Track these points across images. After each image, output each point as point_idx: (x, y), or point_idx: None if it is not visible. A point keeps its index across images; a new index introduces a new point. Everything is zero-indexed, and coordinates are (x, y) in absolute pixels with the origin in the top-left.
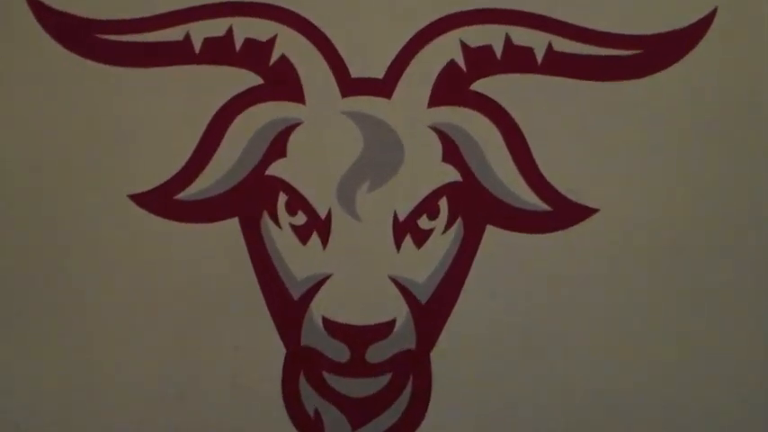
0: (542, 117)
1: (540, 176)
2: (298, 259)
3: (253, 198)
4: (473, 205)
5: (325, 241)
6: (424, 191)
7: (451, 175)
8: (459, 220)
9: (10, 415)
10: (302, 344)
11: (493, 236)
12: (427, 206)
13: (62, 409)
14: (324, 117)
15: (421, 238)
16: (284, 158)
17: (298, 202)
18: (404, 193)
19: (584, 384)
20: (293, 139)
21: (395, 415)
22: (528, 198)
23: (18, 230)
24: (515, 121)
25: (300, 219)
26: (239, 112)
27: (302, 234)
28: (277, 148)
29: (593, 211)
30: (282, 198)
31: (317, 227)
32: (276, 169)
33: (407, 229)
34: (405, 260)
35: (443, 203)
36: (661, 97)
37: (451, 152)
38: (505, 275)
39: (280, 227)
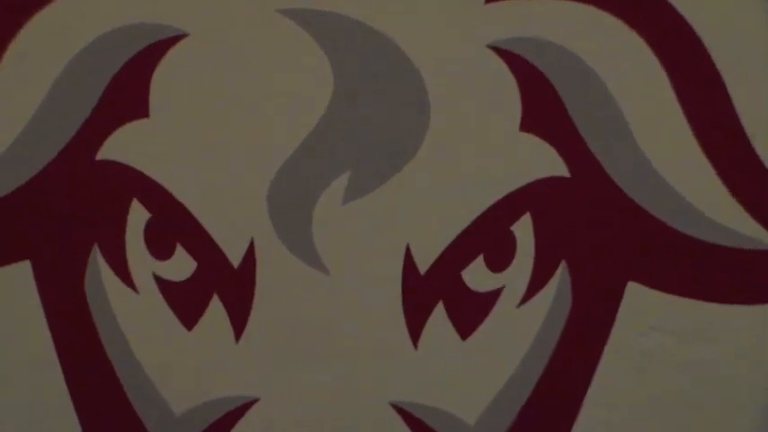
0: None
1: (759, 166)
2: (175, 365)
3: (67, 215)
4: (596, 235)
5: (240, 322)
6: (479, 201)
7: (544, 162)
8: (560, 270)
9: None
10: None
11: (643, 306)
12: (485, 237)
13: None
14: (238, 23)
15: (470, 313)
16: (144, 120)
17: (175, 224)
18: (430, 207)
19: None
20: (165, 74)
21: None
22: (728, 219)
23: None
24: (695, 33)
25: (181, 265)
26: (34, 10)
27: (185, 303)
28: (126, 95)
29: None
30: (139, 215)
31: (219, 286)
32: (124, 147)
33: (438, 293)
34: (431, 368)
35: (524, 230)
36: None
37: (543, 108)
38: (673, 407)
39: (132, 286)
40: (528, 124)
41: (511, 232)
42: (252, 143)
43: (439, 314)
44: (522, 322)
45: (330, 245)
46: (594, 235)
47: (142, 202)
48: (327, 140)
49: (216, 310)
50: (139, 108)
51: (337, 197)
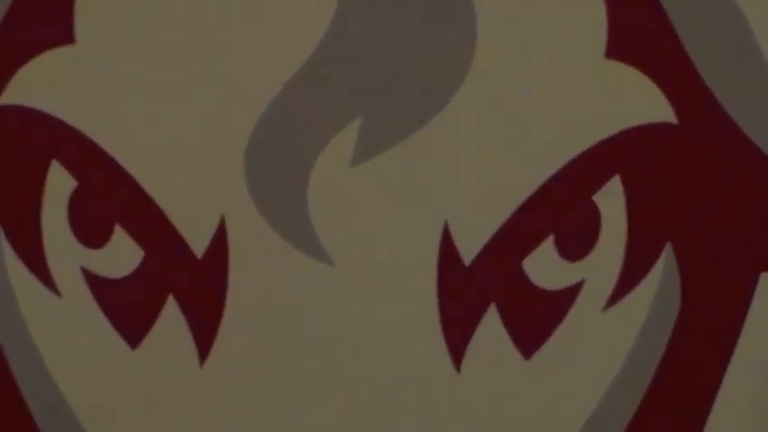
0: None
1: None
2: (114, 400)
3: None
4: (715, 207)
5: (206, 336)
6: (547, 159)
7: (641, 102)
8: (664, 258)
9: None
10: None
11: None
12: (556, 212)
13: None
14: None
15: (536, 320)
16: (67, 48)
17: (112, 196)
18: (477, 169)
19: None
20: None
21: None
22: None
23: None
24: None
25: (121, 255)
26: None
27: (127, 310)
28: (41, 12)
29: None
30: (60, 183)
31: (176, 284)
32: (39, 86)
33: (489, 292)
34: (480, 398)
35: (612, 200)
36: None
37: (640, 26)
38: None
39: (51, 286)
40: (617, 48)
41: (593, 203)
42: (223, 79)
43: (491, 322)
44: (611, 332)
45: (334, 224)
46: (712, 207)
47: (65, 164)
48: (329, 74)
49: (171, 320)
50: (61, 30)
51: (344, 156)
